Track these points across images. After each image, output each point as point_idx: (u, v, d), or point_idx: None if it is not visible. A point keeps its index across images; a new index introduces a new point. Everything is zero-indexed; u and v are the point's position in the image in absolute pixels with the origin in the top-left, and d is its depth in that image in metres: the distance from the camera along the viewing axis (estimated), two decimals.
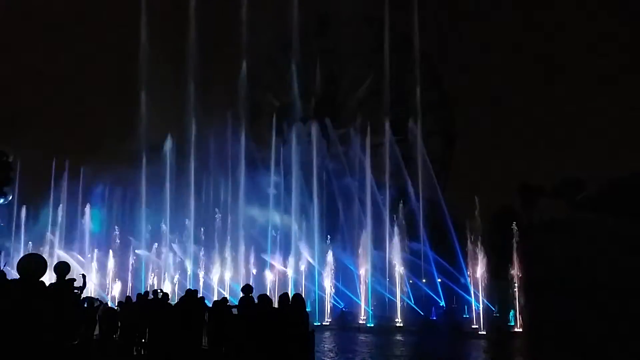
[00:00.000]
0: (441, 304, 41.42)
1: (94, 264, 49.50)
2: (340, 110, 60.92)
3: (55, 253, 49.88)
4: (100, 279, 49.42)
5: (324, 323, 38.20)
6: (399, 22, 55.18)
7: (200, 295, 14.87)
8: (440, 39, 61.71)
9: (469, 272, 38.69)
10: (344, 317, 39.96)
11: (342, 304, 42.38)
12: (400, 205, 45.10)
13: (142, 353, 13.50)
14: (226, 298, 10.35)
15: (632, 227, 45.65)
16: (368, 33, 57.52)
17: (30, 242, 53.67)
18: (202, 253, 46.98)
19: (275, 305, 8.04)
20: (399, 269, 40.51)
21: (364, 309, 39.66)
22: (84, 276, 8.35)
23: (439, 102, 59.37)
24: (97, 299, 16.20)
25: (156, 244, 49.23)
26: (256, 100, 60.14)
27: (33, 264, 6.32)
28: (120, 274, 49.28)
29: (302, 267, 43.36)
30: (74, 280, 7.33)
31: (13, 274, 6.95)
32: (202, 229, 48.53)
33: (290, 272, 43.61)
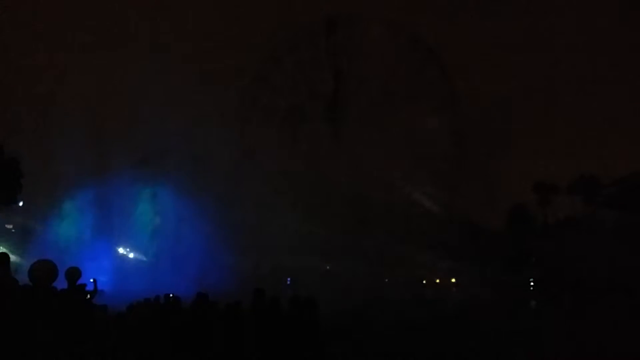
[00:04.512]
0: None
1: None
2: (348, 110, 60.57)
3: None
4: None
5: None
6: (409, 22, 55.03)
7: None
8: (450, 36, 61.47)
9: None
10: None
11: None
12: None
13: None
14: (240, 302, 10.18)
15: None
16: (377, 33, 57.19)
17: None
18: None
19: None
20: None
21: None
22: (95, 281, 8.29)
23: (450, 101, 58.86)
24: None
25: None
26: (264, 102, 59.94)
27: (44, 270, 6.27)
28: None
29: None
30: (85, 285, 7.28)
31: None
32: None
33: None
